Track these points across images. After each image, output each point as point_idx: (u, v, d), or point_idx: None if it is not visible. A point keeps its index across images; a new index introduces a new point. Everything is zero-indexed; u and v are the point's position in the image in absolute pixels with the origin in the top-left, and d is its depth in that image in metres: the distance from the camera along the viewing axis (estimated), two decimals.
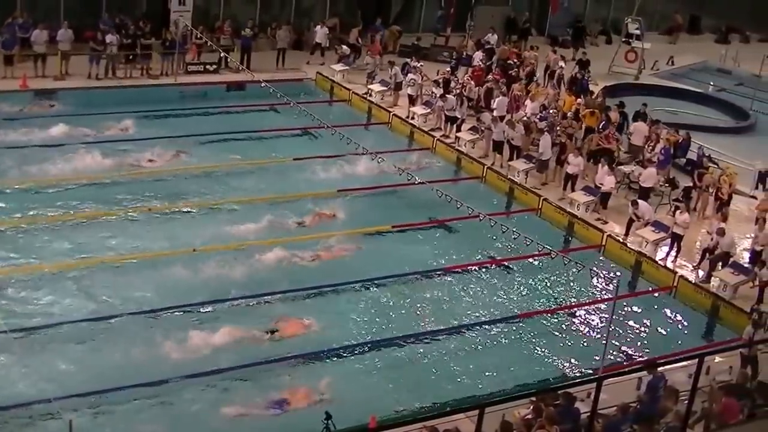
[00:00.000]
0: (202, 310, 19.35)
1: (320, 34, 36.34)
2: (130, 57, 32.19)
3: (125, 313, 18.74)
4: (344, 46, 35.89)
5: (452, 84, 31.46)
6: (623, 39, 40.15)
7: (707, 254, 22.41)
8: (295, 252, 21.82)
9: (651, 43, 40.88)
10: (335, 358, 18.49)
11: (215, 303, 19.59)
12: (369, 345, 19.01)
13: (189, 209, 23.93)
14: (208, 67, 33.44)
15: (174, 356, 17.45)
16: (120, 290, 19.71)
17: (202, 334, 18.13)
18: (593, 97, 31.96)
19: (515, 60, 35.40)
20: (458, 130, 29.73)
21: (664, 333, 20.81)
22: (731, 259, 22.26)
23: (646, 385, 15.84)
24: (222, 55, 32.45)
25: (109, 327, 18.42)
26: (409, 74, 32.24)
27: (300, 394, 16.84)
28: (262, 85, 27.62)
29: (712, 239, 22.44)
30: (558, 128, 28.23)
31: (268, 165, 27.20)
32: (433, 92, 31.51)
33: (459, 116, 29.84)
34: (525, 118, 28.88)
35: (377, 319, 20.06)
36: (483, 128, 28.69)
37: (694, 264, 22.74)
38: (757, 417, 15.61)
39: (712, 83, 41.60)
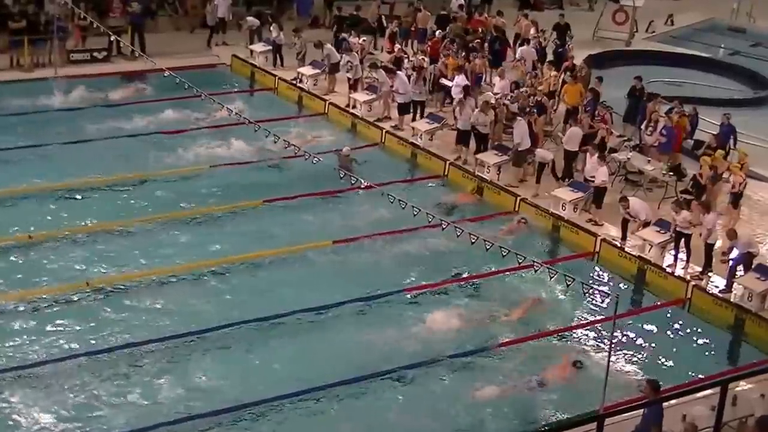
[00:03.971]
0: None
1: (223, 7, 36.40)
2: None
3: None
4: (250, 18, 36.41)
5: (405, 63, 31.32)
6: None
7: (722, 255, 22.48)
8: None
9: None
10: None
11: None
12: None
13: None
14: (96, 54, 33.14)
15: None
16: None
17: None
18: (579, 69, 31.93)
19: (481, 29, 35.33)
20: (414, 119, 29.63)
21: (678, 357, 20.78)
22: (755, 261, 22.21)
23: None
24: (113, 38, 32.08)
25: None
26: (344, 54, 32.02)
27: (554, 370, 19.38)
28: (166, 74, 27.21)
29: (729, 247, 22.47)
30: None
31: None
32: (374, 77, 31.32)
33: (412, 99, 29.75)
34: (494, 100, 28.71)
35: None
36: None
37: (709, 269, 22.68)
38: None
39: (722, 45, 41.93)
